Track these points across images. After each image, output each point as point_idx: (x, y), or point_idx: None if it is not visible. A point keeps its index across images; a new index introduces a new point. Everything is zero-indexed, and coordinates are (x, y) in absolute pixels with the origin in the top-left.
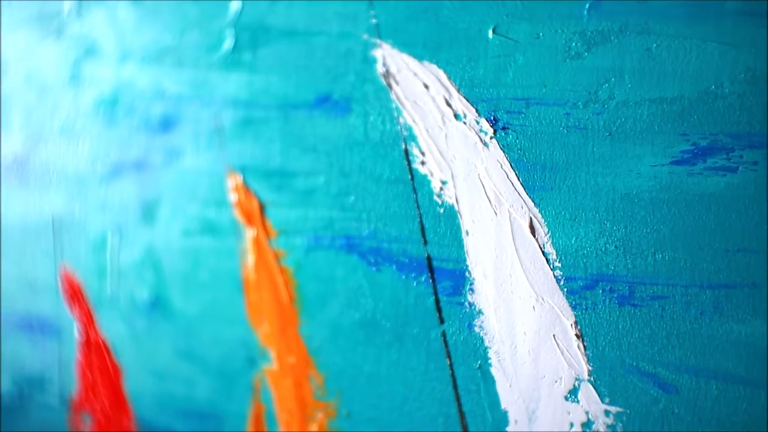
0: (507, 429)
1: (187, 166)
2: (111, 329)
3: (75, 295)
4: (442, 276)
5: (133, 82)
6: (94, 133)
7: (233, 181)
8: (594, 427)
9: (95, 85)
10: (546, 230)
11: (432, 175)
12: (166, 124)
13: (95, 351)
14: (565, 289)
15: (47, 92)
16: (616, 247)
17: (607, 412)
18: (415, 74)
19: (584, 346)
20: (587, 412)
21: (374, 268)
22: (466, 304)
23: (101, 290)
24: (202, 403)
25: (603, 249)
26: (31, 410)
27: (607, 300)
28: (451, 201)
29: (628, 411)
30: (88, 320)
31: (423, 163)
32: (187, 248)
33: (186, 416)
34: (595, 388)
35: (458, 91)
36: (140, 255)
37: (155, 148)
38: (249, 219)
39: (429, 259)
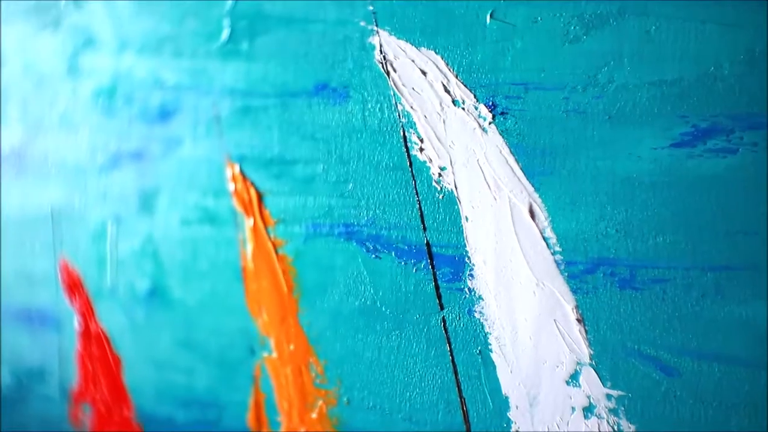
0: (508, 414)
1: (185, 155)
2: (110, 320)
3: (74, 286)
4: (442, 262)
5: (132, 72)
6: (92, 123)
7: (231, 171)
8: (595, 411)
9: (93, 76)
10: (546, 215)
11: (431, 161)
12: (165, 114)
13: (95, 342)
14: (566, 274)
15: (45, 83)
16: (616, 230)
17: (608, 396)
18: (413, 61)
19: (585, 330)
20: (589, 396)
21: (373, 256)
22: (466, 290)
23: (100, 281)
24: (202, 392)
25: (603, 233)
26: (31, 402)
27: (608, 284)
28: (450, 187)
29: (630, 394)
30: (87, 311)
31: (422, 149)
32: (186, 238)
33: (186, 405)
34: (596, 372)
35: (456, 76)
36: (139, 245)
37: (154, 138)
38: (247, 208)
39: (428, 245)
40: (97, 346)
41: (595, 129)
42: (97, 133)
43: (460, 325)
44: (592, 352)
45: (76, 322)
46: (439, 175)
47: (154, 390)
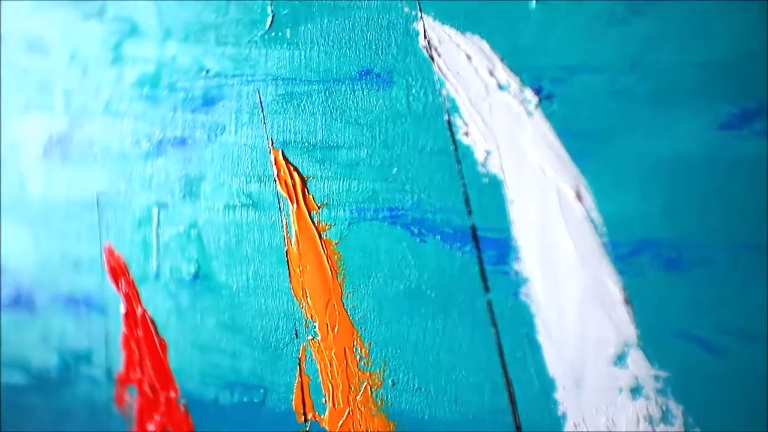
0: (554, 395)
1: (229, 141)
2: (155, 304)
3: (119, 271)
4: (487, 245)
5: (176, 61)
6: (137, 111)
7: (275, 156)
8: (643, 392)
9: (138, 64)
10: (591, 197)
11: (476, 145)
12: (209, 101)
13: (140, 326)
14: (612, 255)
15: (90, 72)
16: (662, 211)
17: (656, 377)
18: (458, 46)
19: (632, 312)
20: (636, 377)
21: (418, 239)
22: (512, 272)
23: (145, 266)
24: (247, 375)
25: (649, 214)
26: (78, 384)
27: (654, 265)
28: (496, 171)
29: (677, 375)
30: (132, 295)
31: (467, 133)
32: (230, 223)
33: (231, 388)
34: (643, 353)
35: (501, 61)
36: (184, 230)
37: (198, 125)
38: (291, 193)
39: (474, 228)
40: (142, 329)
41: (640, 111)
42: (142, 120)
43: (505, 307)
44: (638, 333)
45: (121, 307)
46: (485, 159)
47: (199, 373)
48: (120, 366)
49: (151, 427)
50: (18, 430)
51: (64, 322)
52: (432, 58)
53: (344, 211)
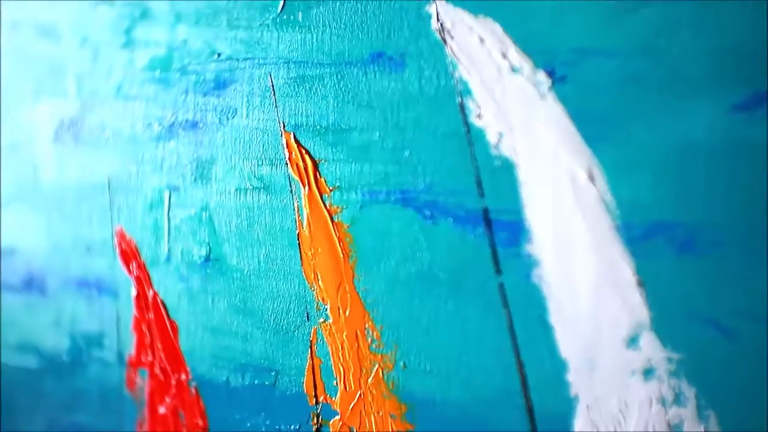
0: (567, 377)
1: (241, 125)
2: (166, 287)
3: (130, 254)
4: (500, 227)
5: (187, 44)
6: (148, 94)
7: (287, 139)
8: (656, 374)
9: (149, 48)
10: (604, 180)
11: (488, 127)
12: (220, 85)
13: (151, 309)
14: (625, 238)
15: (101, 56)
16: (675, 194)
17: (669, 359)
18: (471, 28)
19: (645, 294)
20: (649, 360)
21: (430, 222)
22: (524, 254)
23: (157, 249)
24: (258, 357)
25: (662, 197)
26: (89, 367)
27: (668, 247)
28: (508, 153)
29: (690, 358)
30: (143, 279)
31: (479, 116)
32: (242, 206)
33: (242, 371)
34: (656, 336)
35: (514, 43)
36: (195, 213)
37: (209, 108)
38: (303, 176)
39: (486, 211)
40: (153, 312)
41: (653, 94)
42: (153, 104)
43: (518, 289)
44: (651, 316)
45: (132, 290)
46: (497, 141)
47: (210, 355)
48: (131, 349)
49: (162, 409)
50: (29, 413)
51: (75, 306)
52: (444, 41)
53: (356, 193)
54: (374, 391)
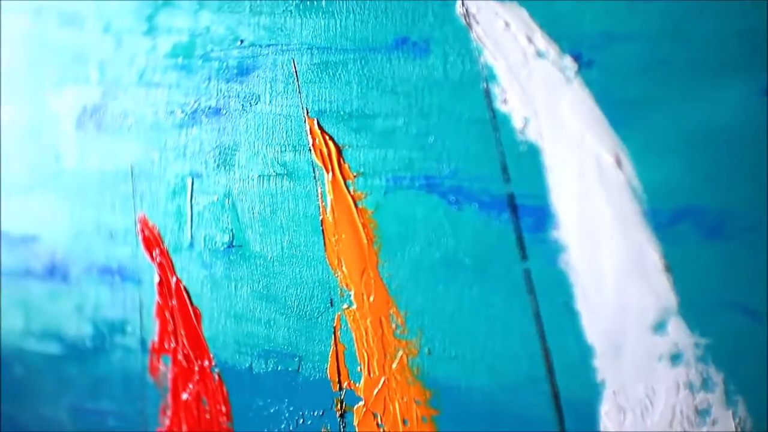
0: (593, 363)
1: (264, 111)
2: (189, 274)
3: (153, 241)
4: (525, 213)
5: (210, 31)
6: (171, 81)
7: (311, 125)
8: (683, 359)
9: (172, 35)
10: (631, 164)
11: (514, 112)
12: (243, 71)
13: (174, 295)
14: (652, 223)
15: (124, 43)
16: (703, 179)
17: (696, 344)
18: (496, 13)
19: (672, 279)
20: (676, 345)
21: (455, 207)
22: (550, 240)
23: (179, 236)
24: (281, 344)
25: (690, 181)
26: (113, 354)
27: (695, 232)
28: (534, 138)
29: (718, 343)
30: (166, 265)
31: (505, 101)
32: (265, 192)
33: (265, 357)
34: (683, 321)
35: (540, 28)
36: (218, 200)
37: (232, 95)
38: (326, 162)
39: (511, 196)
40: (176, 299)
41: (681, 79)
42: (176, 90)
43: (543, 275)
44: (679, 301)
45: (155, 276)
46: (523, 126)
47: (233, 342)
48: (154, 336)
49: (185, 396)
50: (53, 399)
51: (98, 293)
52: (470, 26)
53: (380, 179)
54: (398, 377)
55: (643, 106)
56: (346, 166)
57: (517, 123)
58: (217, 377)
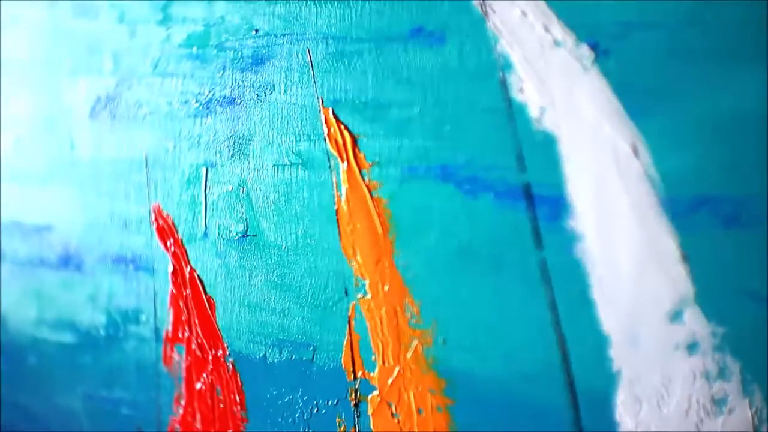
0: (609, 352)
1: (279, 101)
2: (203, 263)
3: (167, 230)
4: (541, 202)
5: (224, 20)
6: (185, 70)
7: (326, 115)
8: (699, 348)
9: (186, 25)
10: (648, 153)
11: (530, 102)
12: (258, 61)
13: (188, 285)
14: (669, 212)
15: (139, 33)
16: (720, 168)
17: (713, 334)
18: (513, 2)
19: (689, 268)
20: (693, 334)
21: (470, 197)
22: (566, 229)
23: (193, 225)
24: (295, 333)
25: (707, 170)
26: (126, 343)
27: (713, 221)
28: (550, 127)
29: (735, 332)
30: (180, 255)
31: (521, 90)
32: (279, 182)
33: (279, 346)
34: (700, 310)
35: (557, 17)
36: (232, 189)
37: (247, 84)
38: (341, 151)
39: (527, 185)
40: (190, 288)
41: (698, 67)
42: (190, 80)
43: (559, 264)
44: (695, 290)
45: (169, 266)
46: (539, 115)
47: (247, 331)
48: (168, 325)
49: (199, 385)
50: (67, 388)
51: (112, 282)
52: (486, 15)
53: (395, 169)
54: (413, 367)
55: (661, 95)
56: (361, 155)
57: (533, 112)
58: (231, 366)
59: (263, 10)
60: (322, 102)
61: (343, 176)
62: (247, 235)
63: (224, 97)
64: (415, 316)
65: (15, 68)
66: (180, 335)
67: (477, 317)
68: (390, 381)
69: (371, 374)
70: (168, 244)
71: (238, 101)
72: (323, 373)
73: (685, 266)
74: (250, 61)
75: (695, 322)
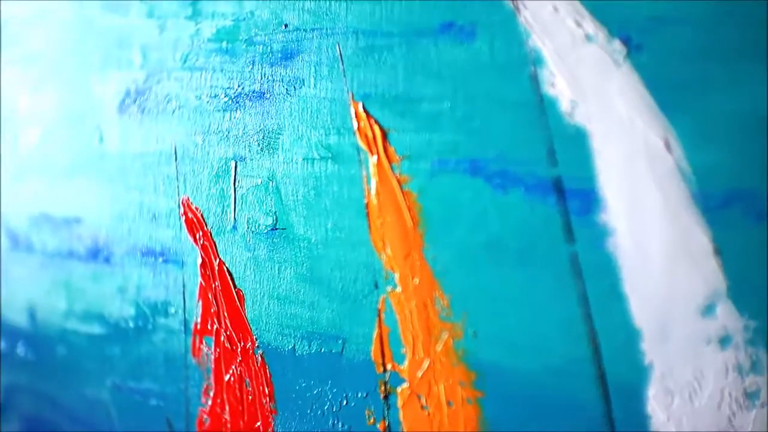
0: (640, 346)
1: (308, 95)
2: (232, 256)
3: (197, 223)
4: (572, 196)
5: (254, 15)
6: (215, 65)
7: (356, 109)
8: (732, 342)
9: (216, 19)
10: (681, 148)
11: (562, 96)
12: (288, 55)
13: (217, 277)
14: (702, 206)
15: (168, 27)
16: (754, 162)
17: (746, 327)
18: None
19: (722, 262)
20: (725, 328)
21: (500, 191)
22: (598, 223)
23: (222, 218)
24: (325, 325)
25: (740, 165)
26: (155, 335)
27: (745, 215)
28: (582, 122)
29: None
30: (209, 247)
31: (553, 85)
32: (309, 175)
33: (309, 339)
34: (733, 304)
35: (589, 12)
36: (261, 183)
37: (276, 79)
38: (371, 145)
39: (558, 179)
40: (219, 281)
41: (731, 62)
42: (219, 74)
43: (590, 258)
44: (728, 284)
45: (198, 259)
46: (571, 110)
47: (276, 324)
48: (197, 317)
49: (228, 377)
50: (95, 379)
51: (141, 274)
52: (517, 10)
53: (425, 163)
54: (443, 359)
55: (693, 90)
56: (392, 149)
57: (564, 106)
58: (260, 359)
59: (293, 6)
60: (353, 96)
61: (372, 170)
62: (276, 229)
63: (253, 92)
64: (445, 309)
65: (44, 63)
66: (209, 327)
67: (507, 311)
68: (420, 374)
69: (401, 367)
70: (197, 236)
71: (268, 95)
72: (353, 366)
73: (717, 260)
74: (279, 55)
75: (727, 317)
